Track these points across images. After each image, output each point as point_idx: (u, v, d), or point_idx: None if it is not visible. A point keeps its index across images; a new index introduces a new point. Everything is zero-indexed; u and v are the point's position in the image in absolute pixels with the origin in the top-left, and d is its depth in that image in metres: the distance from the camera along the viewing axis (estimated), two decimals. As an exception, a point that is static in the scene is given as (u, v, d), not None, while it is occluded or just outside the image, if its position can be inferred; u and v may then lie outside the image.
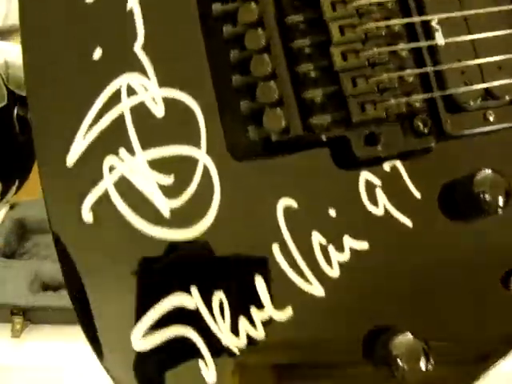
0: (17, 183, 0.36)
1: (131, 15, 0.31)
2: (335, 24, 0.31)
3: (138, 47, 0.31)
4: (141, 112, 0.31)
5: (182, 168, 0.30)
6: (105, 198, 0.30)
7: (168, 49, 0.31)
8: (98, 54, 0.31)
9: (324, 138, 0.31)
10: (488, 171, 0.31)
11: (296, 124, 0.30)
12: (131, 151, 0.30)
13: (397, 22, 0.32)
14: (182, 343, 0.29)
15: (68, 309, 0.36)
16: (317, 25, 0.31)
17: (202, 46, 0.31)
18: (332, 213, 0.31)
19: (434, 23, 0.32)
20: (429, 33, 0.32)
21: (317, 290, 0.30)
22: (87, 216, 0.29)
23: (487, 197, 0.31)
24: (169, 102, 0.31)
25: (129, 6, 0.31)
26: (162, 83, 0.31)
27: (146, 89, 0.31)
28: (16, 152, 0.36)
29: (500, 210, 0.30)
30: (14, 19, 0.74)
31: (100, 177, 0.30)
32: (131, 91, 0.31)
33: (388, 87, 0.31)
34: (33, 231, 0.96)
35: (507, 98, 0.33)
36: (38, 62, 0.31)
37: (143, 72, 0.31)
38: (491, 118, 0.33)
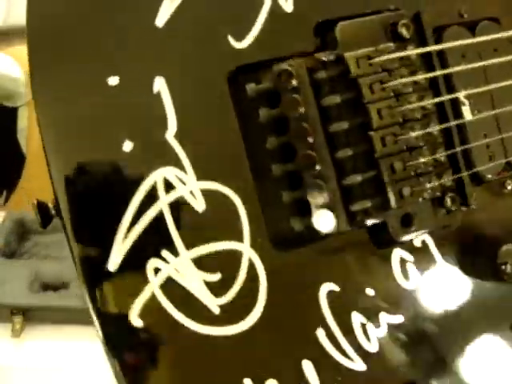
0: (5, 193, 0.34)
1: (159, 99, 0.29)
2: (374, 107, 0.31)
3: (170, 136, 0.29)
4: (180, 208, 0.29)
5: (227, 264, 0.30)
6: (152, 301, 0.29)
7: (202, 137, 0.30)
8: (128, 146, 0.28)
9: (367, 224, 0.31)
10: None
11: (342, 221, 0.30)
12: (175, 252, 0.29)
13: (429, 102, 0.32)
14: None
15: (68, 309, 0.35)
16: (354, 107, 0.31)
17: (237, 132, 0.30)
18: (369, 292, 0.32)
19: (462, 98, 0.33)
20: (457, 110, 0.33)
21: (359, 366, 0.32)
22: (136, 321, 0.28)
23: (509, 268, 0.33)
24: (208, 195, 0.29)
25: (156, 87, 0.29)
26: (200, 175, 0.29)
27: (183, 182, 0.29)
28: (3, 163, 0.33)
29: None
30: (14, 19, 0.67)
31: (146, 280, 0.28)
32: (168, 186, 0.29)
33: (423, 171, 0.32)
34: (33, 231, 0.91)
35: (522, 166, 0.35)
36: (66, 170, 0.28)
37: (179, 164, 0.29)
38: (509, 187, 0.34)
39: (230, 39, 0.30)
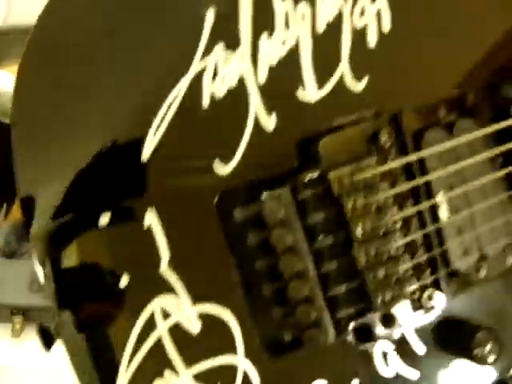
0: (5, 207, 0.35)
1: (150, 232, 0.30)
2: (356, 223, 0.32)
3: (164, 266, 0.30)
4: (178, 332, 0.31)
5: (224, 375, 0.32)
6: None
7: (195, 263, 0.31)
8: (124, 281, 0.30)
9: (348, 328, 0.33)
10: (486, 333, 0.35)
11: (330, 334, 0.32)
12: (175, 371, 0.31)
13: (410, 211, 0.33)
14: None
15: None
16: (338, 223, 0.32)
17: (228, 256, 0.31)
18: (355, 382, 0.35)
19: (438, 199, 0.34)
20: (435, 212, 0.34)
21: None
22: None
23: (480, 354, 0.36)
24: (203, 317, 0.31)
25: (146, 223, 0.30)
26: (194, 300, 0.31)
27: (179, 308, 0.31)
28: (3, 177, 0.34)
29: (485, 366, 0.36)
30: (14, 19, 0.66)
31: None
32: (165, 314, 0.30)
33: (404, 278, 0.33)
34: None
35: (494, 255, 0.37)
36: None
37: (174, 292, 0.30)
38: (482, 275, 0.37)
39: (216, 164, 0.31)
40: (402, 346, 0.35)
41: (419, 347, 0.36)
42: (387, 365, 0.35)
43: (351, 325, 0.33)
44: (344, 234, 0.32)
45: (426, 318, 0.35)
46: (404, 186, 0.33)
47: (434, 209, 0.34)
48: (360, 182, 0.32)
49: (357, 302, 0.33)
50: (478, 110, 0.36)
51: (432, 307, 0.35)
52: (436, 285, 0.35)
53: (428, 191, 0.34)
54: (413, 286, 0.34)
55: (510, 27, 0.36)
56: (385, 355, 0.35)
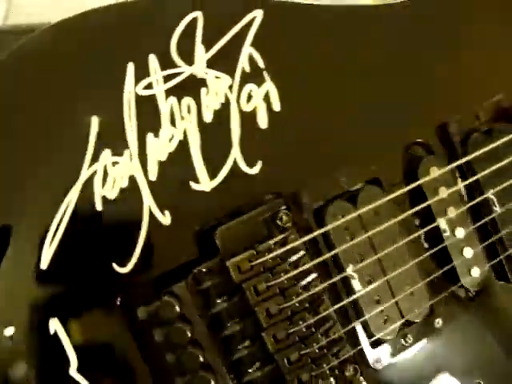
0: None
1: (57, 339, 0.30)
2: (261, 308, 0.32)
3: (73, 371, 0.31)
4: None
5: None
6: None
7: (103, 365, 0.31)
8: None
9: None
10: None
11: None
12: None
13: (318, 289, 0.33)
14: None
15: None
16: (243, 310, 0.32)
17: (138, 354, 0.31)
18: None
19: (350, 272, 0.34)
20: (348, 285, 0.34)
21: None
22: None
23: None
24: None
25: (52, 328, 0.30)
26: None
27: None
28: None
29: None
30: (14, 19, 0.67)
31: None
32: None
33: (320, 355, 0.33)
34: None
35: (419, 320, 0.36)
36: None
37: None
38: (409, 341, 0.36)
39: (115, 265, 0.31)
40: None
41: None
42: None
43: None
44: (251, 320, 0.32)
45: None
46: (308, 264, 0.33)
47: (346, 282, 0.34)
48: (260, 266, 0.32)
49: (273, 386, 0.33)
50: (384, 177, 0.36)
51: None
52: (361, 357, 0.35)
53: (337, 264, 0.34)
54: (332, 363, 0.33)
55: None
56: None
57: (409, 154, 0.37)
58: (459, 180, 0.38)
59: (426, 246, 0.37)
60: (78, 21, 0.32)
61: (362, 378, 0.34)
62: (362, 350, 0.35)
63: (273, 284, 0.32)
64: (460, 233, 0.37)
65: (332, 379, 0.34)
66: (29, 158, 0.31)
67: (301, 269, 0.33)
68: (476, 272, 0.37)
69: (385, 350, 0.36)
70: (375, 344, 0.35)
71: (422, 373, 0.37)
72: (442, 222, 0.36)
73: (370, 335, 0.34)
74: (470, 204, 0.37)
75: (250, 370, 0.32)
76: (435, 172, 0.36)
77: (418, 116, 0.37)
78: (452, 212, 0.37)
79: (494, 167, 0.37)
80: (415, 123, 0.37)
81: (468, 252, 0.37)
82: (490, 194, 0.38)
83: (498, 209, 0.38)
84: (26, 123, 0.31)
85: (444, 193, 0.37)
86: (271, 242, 0.33)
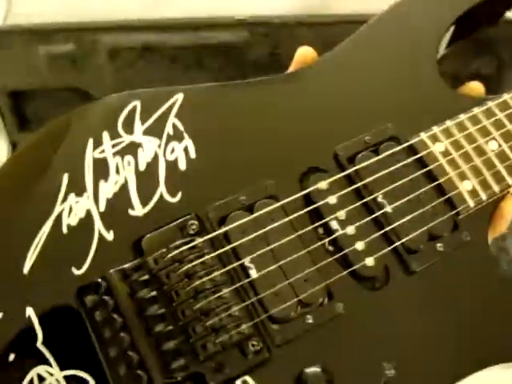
0: None
1: (29, 320, 0.43)
2: (171, 289, 0.42)
3: (39, 343, 0.42)
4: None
5: None
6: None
7: (62, 339, 0.43)
8: (11, 357, 0.42)
9: (180, 378, 0.41)
10: (314, 370, 0.40)
11: (157, 379, 0.41)
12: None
13: (216, 274, 0.43)
14: None
15: None
16: (161, 294, 0.42)
17: (86, 331, 0.43)
18: None
19: (247, 263, 0.43)
20: (247, 273, 0.43)
21: None
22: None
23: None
24: (69, 379, 0.41)
25: (27, 313, 0.43)
26: (62, 367, 0.42)
27: (51, 374, 0.42)
28: None
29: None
30: (14, 19, 0.68)
31: None
32: (41, 378, 0.42)
33: (221, 325, 0.41)
34: None
35: (319, 300, 0.43)
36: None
37: (47, 362, 0.42)
38: (310, 321, 0.42)
39: (73, 269, 0.44)
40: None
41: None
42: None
43: (183, 374, 0.41)
44: (166, 301, 0.42)
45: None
46: (208, 256, 0.43)
47: (245, 270, 0.43)
48: (170, 259, 0.43)
49: (185, 353, 0.41)
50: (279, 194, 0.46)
51: (260, 351, 0.41)
52: (263, 331, 0.42)
53: (236, 257, 0.43)
54: (231, 333, 0.41)
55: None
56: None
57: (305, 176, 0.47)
58: (348, 188, 0.46)
59: (322, 241, 0.45)
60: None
61: (266, 352, 0.41)
62: (264, 325, 0.42)
63: (180, 271, 0.42)
64: (351, 230, 0.44)
65: (237, 349, 0.41)
66: (19, 200, 0.46)
67: (203, 259, 0.43)
68: (370, 261, 0.43)
69: (287, 327, 0.42)
70: (278, 322, 0.42)
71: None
72: (332, 222, 0.44)
73: (266, 311, 0.42)
74: (358, 204, 0.45)
75: (166, 341, 0.41)
76: (323, 184, 0.45)
77: (314, 146, 0.48)
78: (342, 214, 0.45)
79: (379, 174, 0.45)
80: (312, 152, 0.47)
81: (359, 245, 0.44)
82: (379, 195, 0.45)
83: (388, 207, 0.45)
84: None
85: (332, 200, 0.45)
86: (180, 241, 0.43)
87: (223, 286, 0.43)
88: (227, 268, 0.43)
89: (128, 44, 0.74)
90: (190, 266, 0.43)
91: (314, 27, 0.74)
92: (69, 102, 0.79)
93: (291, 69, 0.53)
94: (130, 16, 0.73)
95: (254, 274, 0.43)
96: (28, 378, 0.42)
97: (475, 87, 0.52)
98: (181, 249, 0.43)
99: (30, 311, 0.43)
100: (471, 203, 0.46)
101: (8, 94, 0.78)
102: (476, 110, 0.49)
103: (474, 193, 0.46)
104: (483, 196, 0.46)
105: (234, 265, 0.43)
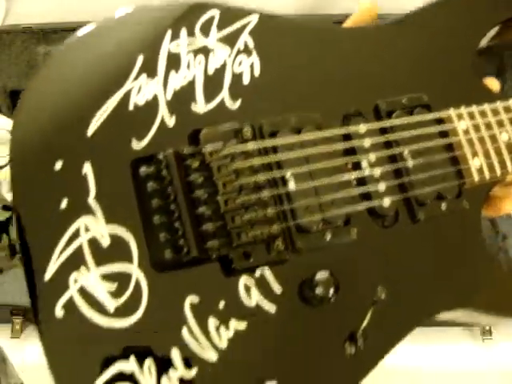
0: None
1: (86, 176, 0.48)
2: (220, 181, 0.48)
3: (91, 198, 0.47)
4: (93, 241, 0.47)
5: (122, 277, 0.46)
6: (71, 300, 0.45)
7: (112, 197, 0.48)
8: (64, 204, 0.47)
9: (214, 256, 0.47)
10: (323, 273, 0.47)
11: (193, 248, 0.47)
12: (88, 268, 0.46)
13: (261, 178, 0.49)
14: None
15: None
16: (209, 181, 0.48)
17: (134, 195, 0.48)
18: (222, 304, 0.47)
19: (288, 176, 0.50)
20: (285, 184, 0.50)
21: (212, 356, 0.46)
22: (59, 312, 0.45)
23: (321, 291, 0.47)
24: (112, 235, 0.47)
25: (84, 170, 0.48)
26: (108, 220, 0.47)
27: (96, 226, 0.47)
28: None
29: (332, 299, 0.47)
30: (14, 19, 0.70)
31: (67, 287, 0.45)
32: (87, 229, 0.47)
33: (256, 221, 0.48)
34: None
35: (339, 223, 0.50)
36: (25, 215, 0.47)
37: (94, 215, 0.47)
38: (328, 238, 0.50)
39: (133, 142, 0.49)
40: (262, 283, 0.48)
41: (276, 286, 0.48)
42: (250, 297, 0.48)
43: (216, 254, 0.47)
44: (213, 189, 0.48)
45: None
46: (257, 161, 0.49)
47: (284, 182, 0.49)
48: (224, 156, 0.49)
49: (221, 237, 0.47)
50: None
51: (282, 250, 0.48)
52: (288, 236, 0.49)
53: (279, 167, 0.50)
54: (263, 229, 0.48)
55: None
56: (247, 287, 0.48)
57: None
58: (382, 137, 0.53)
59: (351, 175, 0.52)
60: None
61: (287, 253, 0.48)
62: (290, 230, 0.49)
63: (231, 168, 0.48)
64: (377, 172, 0.52)
65: (263, 243, 0.48)
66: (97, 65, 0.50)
67: (252, 162, 0.49)
68: (387, 202, 0.51)
69: (308, 240, 0.49)
70: (303, 231, 0.49)
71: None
72: (363, 162, 0.52)
73: (295, 218, 0.49)
74: (387, 152, 0.52)
75: (206, 222, 0.48)
76: (363, 128, 0.52)
77: (361, 94, 0.54)
78: (372, 157, 0.52)
79: (408, 132, 0.53)
80: (357, 99, 0.54)
81: (381, 186, 0.51)
82: (405, 150, 0.53)
83: (410, 162, 0.53)
84: None
85: (367, 143, 0.52)
86: (235, 140, 0.49)
87: (264, 189, 0.49)
88: (271, 175, 0.49)
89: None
90: (239, 164, 0.49)
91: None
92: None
93: (351, 19, 0.59)
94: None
95: (292, 186, 0.50)
96: (75, 225, 0.47)
97: (492, 83, 0.60)
98: (235, 148, 0.49)
99: (87, 167, 0.48)
100: (476, 178, 0.54)
101: (8, 93, 0.78)
102: (498, 104, 0.57)
103: (480, 171, 0.54)
104: (487, 176, 0.55)
105: (278, 174, 0.50)
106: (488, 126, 0.56)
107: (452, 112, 0.55)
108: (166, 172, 0.48)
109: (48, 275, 0.46)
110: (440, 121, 0.55)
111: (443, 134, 0.55)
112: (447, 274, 0.53)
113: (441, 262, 0.53)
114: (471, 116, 0.56)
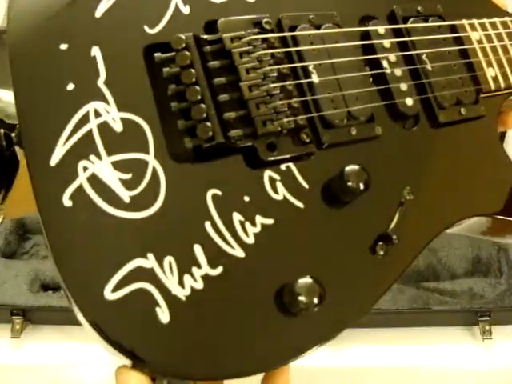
0: (2, 192, 0.45)
1: (94, 59, 0.43)
2: (243, 67, 0.44)
3: (101, 82, 0.43)
4: (104, 128, 0.42)
5: (137, 168, 0.42)
6: (80, 189, 0.40)
7: (123, 83, 0.43)
8: (71, 87, 0.42)
9: (239, 145, 0.43)
10: (354, 166, 0.45)
11: (218, 133, 0.43)
12: (99, 156, 0.41)
13: (285, 66, 0.46)
14: (143, 294, 0.39)
15: (68, 309, 0.41)
16: (230, 68, 0.45)
17: (147, 82, 0.44)
18: (246, 199, 0.43)
19: (310, 68, 0.47)
20: (307, 75, 0.47)
21: (239, 253, 0.42)
22: (67, 202, 0.40)
23: (352, 183, 0.44)
24: (125, 121, 0.42)
25: (92, 53, 0.43)
26: (120, 108, 0.42)
27: (107, 112, 0.42)
28: (2, 165, 0.45)
29: (361, 192, 0.44)
30: None
31: (76, 175, 0.40)
32: (97, 114, 0.42)
33: (281, 110, 0.44)
34: (33, 231, 0.92)
35: (362, 119, 0.47)
36: (27, 97, 0.41)
37: (105, 100, 0.42)
38: (353, 133, 0.47)
39: (146, 27, 0.45)
40: (288, 178, 0.44)
41: (303, 182, 0.45)
42: (276, 192, 0.44)
43: (241, 143, 0.43)
44: (235, 76, 0.44)
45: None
46: (279, 50, 0.46)
47: (306, 73, 0.47)
48: (246, 42, 0.45)
49: (244, 126, 0.44)
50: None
51: (308, 143, 0.45)
52: (314, 130, 0.46)
53: (300, 59, 0.47)
54: (290, 119, 0.44)
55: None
56: (272, 181, 0.44)
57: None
58: (400, 39, 0.51)
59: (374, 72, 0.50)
60: None
61: (313, 146, 0.45)
62: (314, 123, 0.46)
63: (253, 55, 0.45)
64: (398, 72, 0.50)
65: (289, 135, 0.45)
66: None
67: (275, 51, 0.46)
68: (410, 101, 0.49)
69: (334, 133, 0.46)
70: (326, 125, 0.46)
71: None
72: (383, 61, 0.50)
73: (319, 110, 0.46)
74: (407, 53, 0.51)
75: (229, 111, 0.44)
76: (381, 29, 0.50)
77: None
78: (393, 57, 0.50)
79: (425, 37, 0.51)
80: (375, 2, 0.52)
81: (403, 86, 0.49)
82: (423, 54, 0.51)
83: (428, 65, 0.51)
84: None
85: (387, 44, 0.50)
86: (256, 30, 0.46)
87: (288, 79, 0.46)
88: (294, 65, 0.46)
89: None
90: (262, 51, 0.45)
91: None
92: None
93: None
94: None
95: (315, 78, 0.47)
96: (84, 109, 0.42)
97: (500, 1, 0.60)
98: (256, 36, 0.46)
99: (95, 50, 0.43)
100: (492, 86, 0.53)
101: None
102: (507, 18, 0.56)
103: (495, 79, 0.54)
104: (502, 84, 0.54)
105: (300, 64, 0.47)
106: (499, 38, 0.55)
107: (465, 21, 0.55)
108: (185, 55, 0.44)
109: (54, 160, 0.40)
110: (454, 29, 0.54)
111: (459, 41, 0.54)
112: (468, 181, 0.51)
113: (461, 168, 0.51)
114: (483, 27, 0.55)
